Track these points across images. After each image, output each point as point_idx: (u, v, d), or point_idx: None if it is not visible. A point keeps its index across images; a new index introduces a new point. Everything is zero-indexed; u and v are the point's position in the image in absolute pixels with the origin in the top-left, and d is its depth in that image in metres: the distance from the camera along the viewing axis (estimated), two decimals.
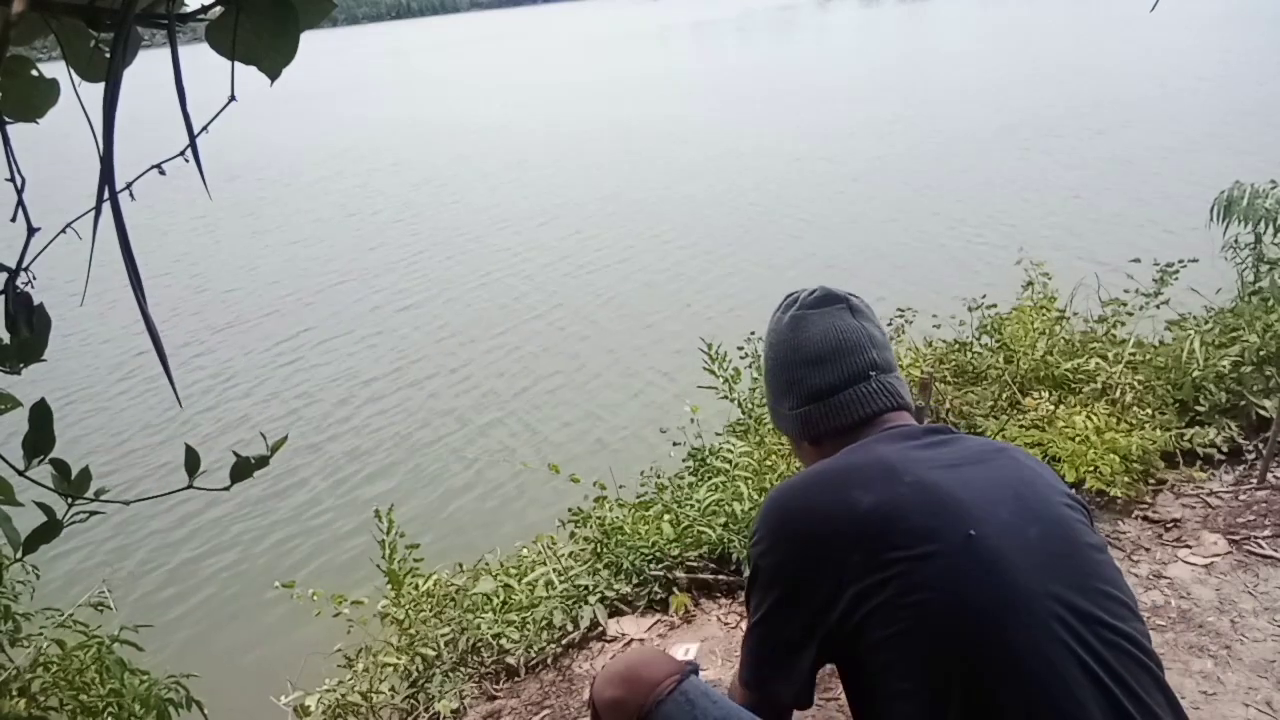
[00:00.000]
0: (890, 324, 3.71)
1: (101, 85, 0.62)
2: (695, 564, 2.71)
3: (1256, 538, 2.52)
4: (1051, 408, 3.05)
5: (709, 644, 2.41)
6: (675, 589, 2.66)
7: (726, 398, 3.56)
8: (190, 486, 0.87)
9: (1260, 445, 3.00)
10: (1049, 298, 3.69)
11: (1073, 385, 3.24)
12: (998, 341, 3.55)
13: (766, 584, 1.10)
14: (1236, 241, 3.96)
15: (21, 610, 2.40)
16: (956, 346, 3.64)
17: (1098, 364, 3.22)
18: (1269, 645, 2.10)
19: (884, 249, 8.76)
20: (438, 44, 73.06)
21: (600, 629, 2.57)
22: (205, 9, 0.68)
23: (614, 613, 2.64)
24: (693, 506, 2.85)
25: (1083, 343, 3.45)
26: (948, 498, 1.00)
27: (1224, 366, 3.16)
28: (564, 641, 2.55)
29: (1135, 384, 3.15)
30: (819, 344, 1.22)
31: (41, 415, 0.81)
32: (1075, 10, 32.66)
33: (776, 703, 1.15)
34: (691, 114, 19.33)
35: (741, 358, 3.74)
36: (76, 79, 0.74)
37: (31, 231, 0.71)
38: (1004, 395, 3.29)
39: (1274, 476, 2.82)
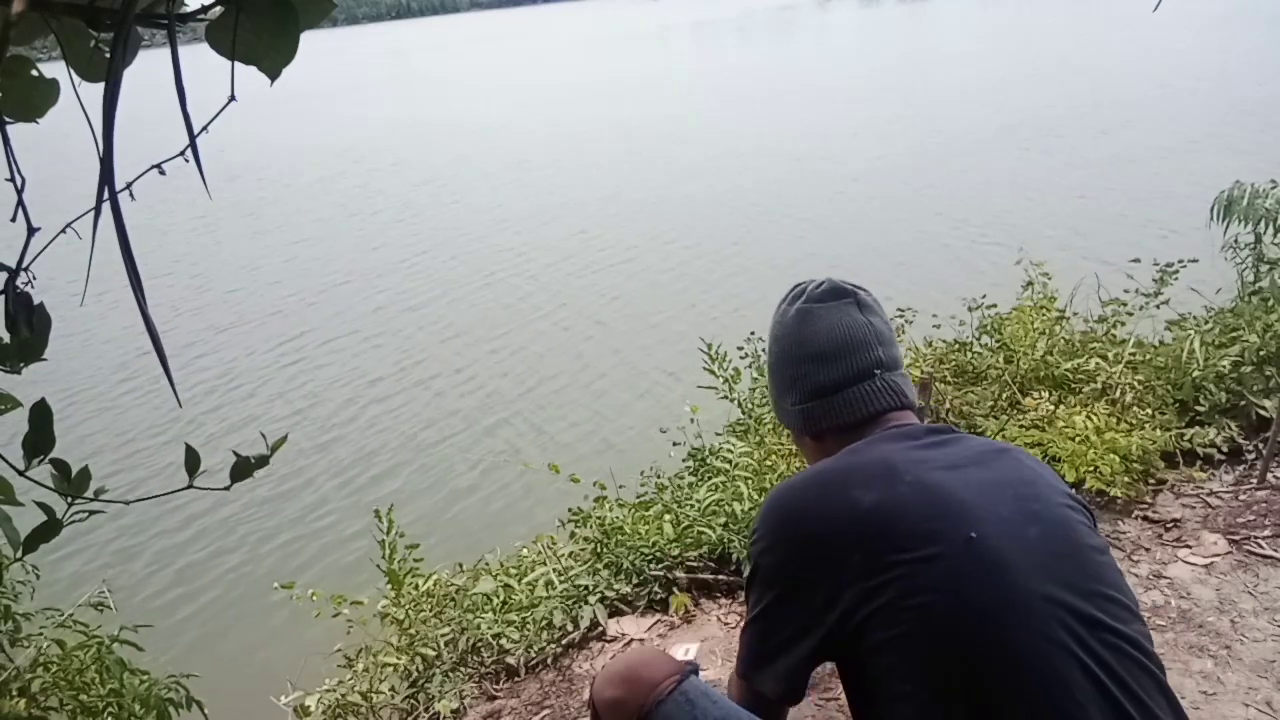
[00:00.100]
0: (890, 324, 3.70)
1: (101, 85, 0.62)
2: (695, 564, 2.71)
3: (1256, 538, 2.52)
4: (1051, 408, 3.05)
5: (709, 644, 2.41)
6: (675, 589, 2.66)
7: (727, 398, 3.56)
8: (190, 486, 0.87)
9: (1260, 445, 3.00)
10: (1049, 298, 3.69)
11: (1073, 385, 3.24)
12: (998, 341, 3.55)
13: (766, 582, 1.10)
14: (1236, 241, 3.97)
15: (22, 610, 2.40)
16: (956, 346, 3.64)
17: (1098, 364, 3.22)
18: (1269, 645, 2.10)
19: (885, 249, 8.76)
20: (438, 44, 73.06)
21: (600, 629, 2.57)
22: (205, 9, 0.68)
23: (614, 613, 2.64)
24: (693, 506, 2.85)
25: (1083, 343, 3.45)
26: (949, 499, 1.00)
27: (1224, 366, 3.16)
28: (564, 641, 2.55)
29: (1135, 384, 3.15)
30: (824, 340, 1.20)
31: (41, 415, 0.81)
32: (1075, 10, 32.66)
33: (769, 696, 1.15)
34: (692, 114, 19.33)
35: (741, 358, 3.74)
36: (76, 79, 0.74)
37: (31, 231, 0.71)
38: (1004, 395, 3.29)
39: (1274, 476, 2.82)
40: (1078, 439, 2.82)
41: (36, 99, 0.80)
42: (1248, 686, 1.98)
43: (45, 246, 0.74)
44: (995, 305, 3.75)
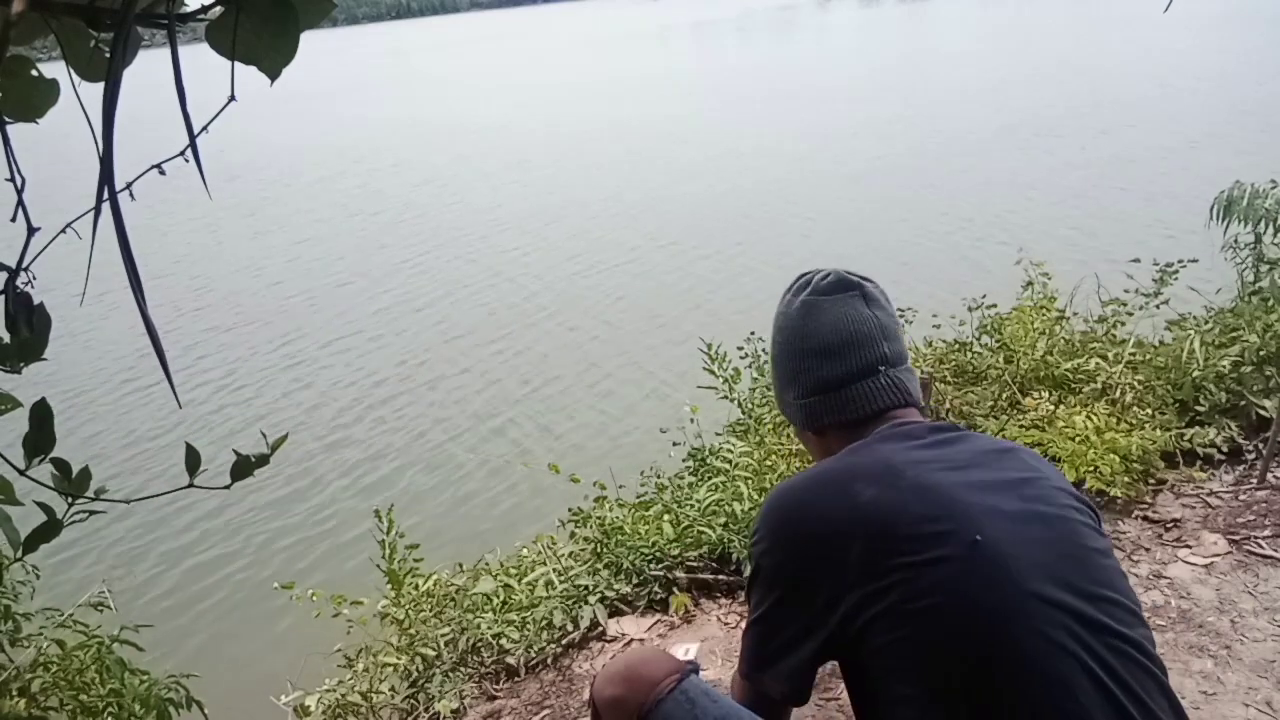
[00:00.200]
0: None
1: (101, 85, 0.62)
2: (695, 564, 2.71)
3: (1256, 538, 2.52)
4: (1051, 408, 3.05)
5: (709, 644, 2.41)
6: (675, 589, 2.66)
7: (727, 398, 3.56)
8: (191, 485, 0.87)
9: (1260, 445, 3.00)
10: (1049, 298, 3.69)
11: (1073, 385, 3.24)
12: (998, 341, 3.56)
13: (767, 583, 1.09)
14: (1236, 241, 3.97)
15: (22, 610, 2.40)
16: (956, 346, 3.64)
17: (1098, 364, 3.22)
18: (1269, 645, 2.10)
19: (885, 248, 8.76)
20: (438, 44, 73.06)
21: (600, 629, 2.57)
22: (205, 9, 0.68)
23: (614, 613, 2.64)
24: (693, 506, 2.85)
25: (1083, 343, 3.45)
26: (952, 501, 0.99)
27: (1224, 366, 3.16)
28: (564, 641, 2.55)
29: (1135, 384, 3.15)
30: (829, 334, 1.18)
31: (42, 414, 0.81)
32: (1075, 10, 32.67)
33: (772, 697, 1.15)
34: (692, 114, 19.33)
35: (741, 358, 3.74)
36: (76, 79, 0.74)
37: (31, 231, 0.71)
38: (1004, 395, 3.29)
39: (1274, 476, 2.82)
40: (1078, 439, 2.82)
41: (36, 99, 0.80)
42: (1248, 686, 1.98)
43: (45, 246, 0.74)
44: (995, 305, 3.75)
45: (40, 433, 0.81)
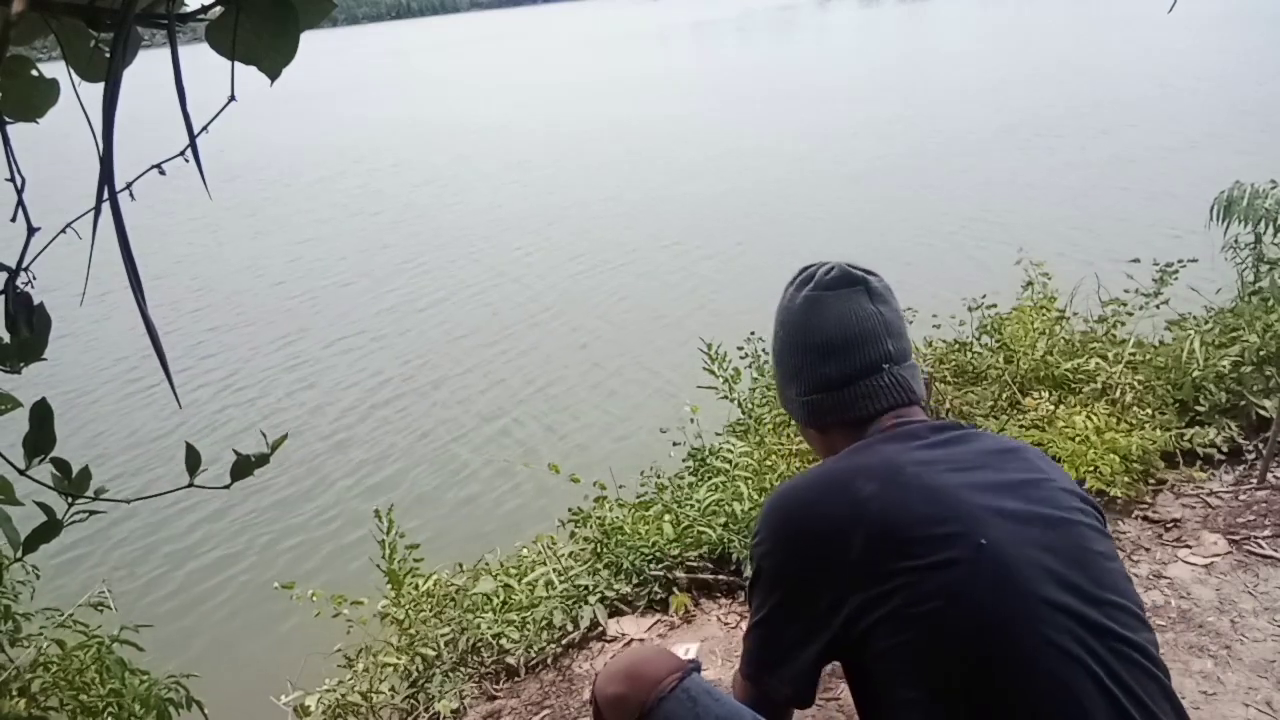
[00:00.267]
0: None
1: (101, 85, 0.62)
2: (695, 564, 2.71)
3: (1256, 538, 2.52)
4: (1051, 408, 3.05)
5: (709, 644, 2.41)
6: (675, 589, 2.66)
7: (727, 398, 3.56)
8: (191, 485, 0.87)
9: (1260, 445, 3.00)
10: (1049, 298, 3.69)
11: (1073, 385, 3.24)
12: (998, 341, 3.55)
13: (768, 586, 1.09)
14: (1236, 241, 3.96)
15: (22, 610, 2.40)
16: (956, 346, 3.64)
17: (1098, 364, 3.22)
18: (1269, 645, 2.10)
19: (885, 248, 8.76)
20: (438, 44, 73.05)
21: (600, 629, 2.57)
22: (205, 9, 0.68)
23: (614, 613, 2.64)
24: (693, 506, 2.85)
25: (1083, 343, 3.45)
26: (958, 504, 0.98)
27: (1224, 366, 3.16)
28: (564, 641, 2.55)
29: (1135, 384, 3.15)
30: (832, 331, 1.16)
31: (42, 414, 0.81)
32: (1075, 10, 32.66)
33: (776, 700, 1.15)
34: (692, 114, 19.33)
35: (741, 358, 3.74)
36: (76, 79, 0.74)
37: (31, 231, 0.71)
38: (1004, 395, 3.29)
39: (1274, 476, 2.82)
40: (1078, 439, 2.82)
41: (36, 99, 0.80)
42: (1248, 686, 1.98)
43: (45, 246, 0.74)
44: (995, 305, 3.75)
45: (40, 433, 0.81)
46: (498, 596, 2.76)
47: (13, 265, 0.73)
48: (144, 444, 6.60)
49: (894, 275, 1.28)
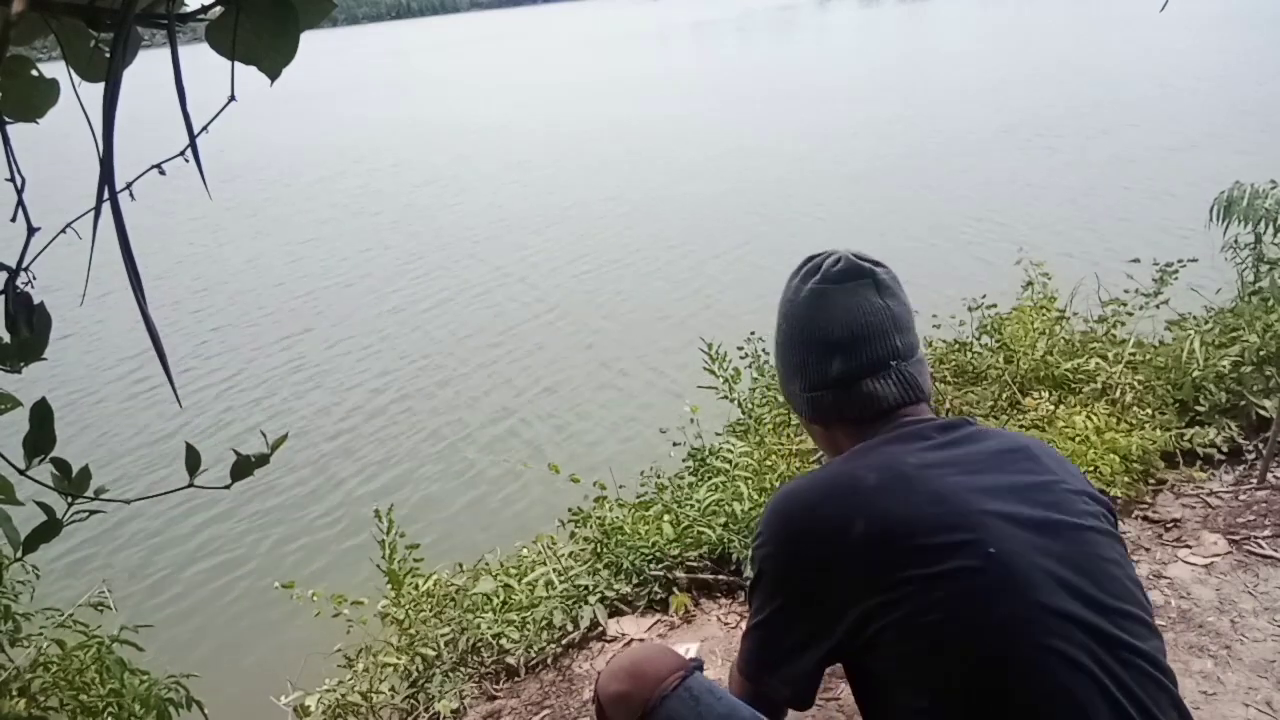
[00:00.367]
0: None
1: (101, 85, 0.62)
2: (695, 564, 2.71)
3: (1256, 538, 2.52)
4: (1051, 408, 3.05)
5: (709, 644, 2.41)
6: (675, 589, 2.66)
7: (727, 398, 3.56)
8: (191, 485, 0.87)
9: (1260, 445, 3.00)
10: (1049, 298, 3.69)
11: (1073, 385, 3.24)
12: (998, 341, 3.56)
13: (770, 589, 1.07)
14: (1236, 241, 3.97)
15: (21, 610, 2.40)
16: (956, 346, 3.64)
17: (1098, 364, 3.22)
18: (1269, 645, 2.10)
19: (885, 248, 8.73)
20: (438, 44, 73.06)
21: (600, 629, 2.57)
22: (205, 9, 0.68)
23: (614, 613, 2.64)
24: (693, 506, 2.85)
25: (1083, 343, 3.46)
26: (965, 512, 0.96)
27: (1224, 366, 3.16)
28: (564, 641, 2.55)
29: (1135, 384, 3.15)
30: (838, 327, 1.12)
31: (42, 414, 0.81)
32: (1075, 10, 32.66)
33: (775, 700, 1.14)
34: (692, 114, 19.33)
35: (742, 358, 3.74)
36: (76, 79, 0.74)
37: (31, 231, 0.71)
38: (1004, 395, 3.29)
39: (1274, 476, 2.82)
40: (1078, 439, 2.82)
41: (36, 99, 0.80)
42: (1248, 686, 1.98)
43: (45, 246, 0.74)
44: (995, 305, 3.76)
45: (40, 433, 0.81)
46: (498, 596, 2.76)
47: (13, 265, 0.73)
48: (149, 445, 6.60)
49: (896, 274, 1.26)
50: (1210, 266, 3.97)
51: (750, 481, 2.85)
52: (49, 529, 0.87)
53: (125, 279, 0.63)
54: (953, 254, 8.39)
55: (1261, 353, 3.17)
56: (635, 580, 2.69)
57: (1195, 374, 3.16)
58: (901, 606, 0.94)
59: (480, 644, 2.60)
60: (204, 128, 0.71)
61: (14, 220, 0.73)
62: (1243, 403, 3.13)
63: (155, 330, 0.65)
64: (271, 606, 4.46)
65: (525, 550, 3.09)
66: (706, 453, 3.29)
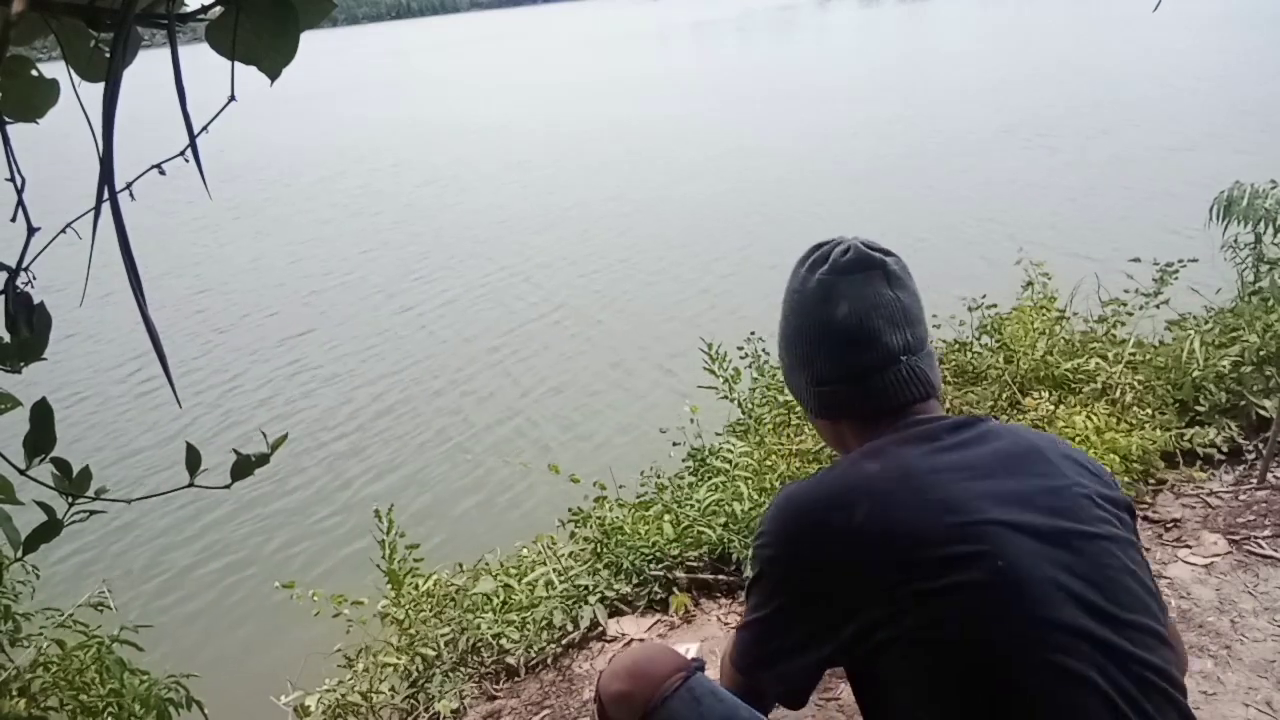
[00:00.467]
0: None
1: (101, 85, 0.62)
2: (695, 564, 2.71)
3: (1256, 538, 2.52)
4: (1051, 408, 3.05)
5: (709, 644, 2.41)
6: (675, 589, 2.66)
7: (727, 398, 3.56)
8: (191, 485, 0.87)
9: (1260, 445, 3.00)
10: (1049, 298, 3.69)
11: (1073, 385, 3.24)
12: (998, 341, 3.56)
13: (770, 589, 1.06)
14: (1236, 241, 3.97)
15: (21, 610, 2.40)
16: (956, 346, 3.64)
17: (1098, 364, 3.22)
18: (1269, 645, 2.10)
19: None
20: (438, 44, 73.06)
21: (600, 629, 2.58)
22: (205, 9, 0.68)
23: (614, 613, 2.64)
24: (693, 506, 2.85)
25: (1083, 343, 3.45)
26: (975, 523, 0.93)
27: (1224, 366, 3.16)
28: (564, 641, 2.55)
29: (1135, 384, 3.15)
30: (848, 321, 1.08)
31: (42, 414, 0.81)
32: (1075, 10, 32.66)
33: (766, 695, 1.13)
34: (692, 114, 19.33)
35: (741, 357, 3.74)
36: (76, 79, 0.74)
37: (31, 231, 0.71)
38: (1004, 395, 3.29)
39: (1274, 476, 2.82)
40: (1078, 439, 2.82)
41: (36, 99, 0.80)
42: (1248, 686, 1.98)
43: (45, 246, 0.74)
44: (995, 305, 3.75)
45: (40, 432, 0.81)
46: (498, 596, 2.76)
47: (13, 265, 0.73)
48: (156, 445, 6.59)
49: None
50: (1210, 266, 3.97)
51: (750, 481, 2.85)
52: (49, 529, 0.87)
53: (127, 279, 0.63)
54: (953, 254, 8.38)
55: (1261, 353, 3.17)
56: (635, 580, 2.69)
57: (1195, 374, 3.16)
58: (907, 618, 0.92)
59: (480, 644, 2.60)
60: (204, 128, 0.71)
61: (14, 220, 0.73)
62: (1243, 403, 3.13)
63: (155, 330, 0.65)
64: (272, 607, 4.46)
65: (525, 550, 3.09)
66: (706, 453, 3.29)
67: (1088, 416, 2.93)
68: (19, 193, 0.74)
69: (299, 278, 10.51)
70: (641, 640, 2.51)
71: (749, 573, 1.30)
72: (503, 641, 2.54)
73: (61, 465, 0.84)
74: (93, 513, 0.90)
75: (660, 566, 2.70)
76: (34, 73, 0.79)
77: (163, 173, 0.81)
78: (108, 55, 0.69)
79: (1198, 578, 2.40)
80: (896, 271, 1.11)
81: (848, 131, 15.05)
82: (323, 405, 7.02)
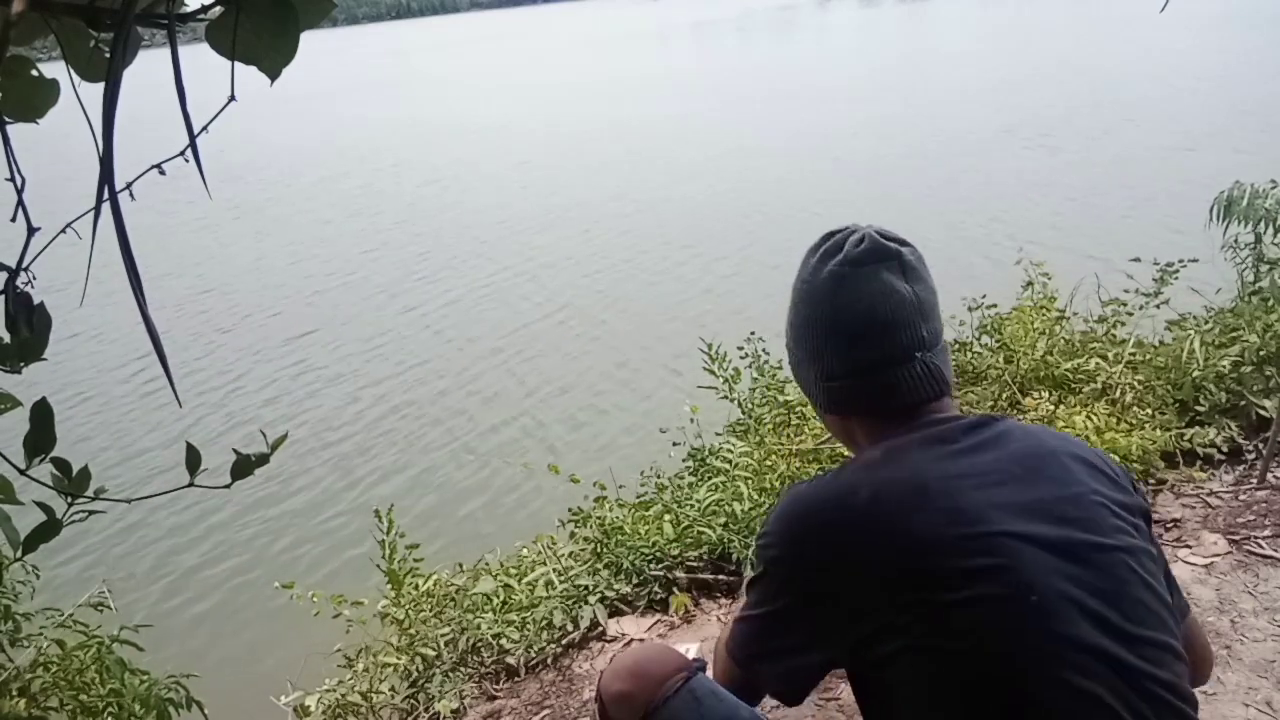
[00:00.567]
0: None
1: (101, 85, 0.62)
2: (695, 564, 2.71)
3: (1256, 538, 2.52)
4: (1051, 408, 3.05)
5: (709, 644, 2.41)
6: (675, 589, 2.66)
7: (727, 398, 3.56)
8: (192, 484, 0.87)
9: (1260, 445, 3.00)
10: (1049, 298, 3.69)
11: (1073, 385, 3.24)
12: (998, 341, 3.56)
13: (774, 590, 1.04)
14: (1236, 241, 3.97)
15: (21, 610, 2.40)
16: (956, 346, 3.64)
17: (1098, 364, 3.22)
18: (1269, 645, 2.10)
19: None
20: (438, 44, 73.07)
21: (600, 629, 2.58)
22: (205, 9, 0.68)
23: (614, 613, 2.64)
24: (693, 506, 2.85)
25: (1083, 343, 3.46)
26: (988, 533, 0.91)
27: (1224, 366, 3.16)
28: (564, 641, 2.55)
29: (1135, 384, 3.15)
30: (861, 314, 1.04)
31: (42, 414, 0.81)
32: (1075, 10, 32.67)
33: (762, 688, 1.12)
34: (692, 114, 19.33)
35: (741, 357, 3.74)
36: (76, 79, 0.74)
37: (31, 231, 0.71)
38: (1004, 395, 3.29)
39: (1274, 476, 2.82)
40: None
41: (36, 99, 0.80)
42: (1248, 686, 1.98)
43: (45, 246, 0.74)
44: (995, 305, 3.75)
45: (40, 432, 0.81)
46: (498, 596, 2.76)
47: (13, 265, 0.73)
48: (157, 446, 6.59)
49: None
50: (1210, 266, 3.97)
51: (750, 481, 2.85)
52: (49, 529, 0.87)
53: (128, 279, 0.64)
54: (953, 253, 8.38)
55: (1261, 353, 3.17)
56: (635, 580, 2.69)
57: (1195, 374, 3.16)
58: (916, 630, 0.90)
59: (480, 644, 2.60)
60: (204, 128, 0.71)
61: (14, 220, 0.73)
62: (1243, 403, 3.13)
63: (154, 330, 0.65)
64: (275, 608, 4.46)
65: (525, 550, 3.09)
66: (706, 453, 3.29)
67: (1088, 416, 2.93)
68: (19, 193, 0.74)
69: (301, 278, 10.52)
70: (642, 640, 2.51)
71: (750, 572, 1.29)
72: (503, 641, 2.54)
73: (61, 465, 0.84)
74: (92, 513, 0.90)
75: (660, 566, 2.70)
76: (34, 73, 0.79)
77: (163, 173, 0.81)
78: (108, 55, 0.69)
79: (1198, 578, 2.40)
80: (912, 263, 1.07)
81: (848, 131, 15.05)
82: (328, 405, 7.02)
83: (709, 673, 1.25)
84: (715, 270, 8.95)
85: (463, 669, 2.55)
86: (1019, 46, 24.49)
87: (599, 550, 2.83)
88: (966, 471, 0.96)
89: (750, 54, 34.94)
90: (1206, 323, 3.53)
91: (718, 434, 3.52)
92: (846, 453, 1.19)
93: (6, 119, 0.75)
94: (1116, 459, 2.72)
